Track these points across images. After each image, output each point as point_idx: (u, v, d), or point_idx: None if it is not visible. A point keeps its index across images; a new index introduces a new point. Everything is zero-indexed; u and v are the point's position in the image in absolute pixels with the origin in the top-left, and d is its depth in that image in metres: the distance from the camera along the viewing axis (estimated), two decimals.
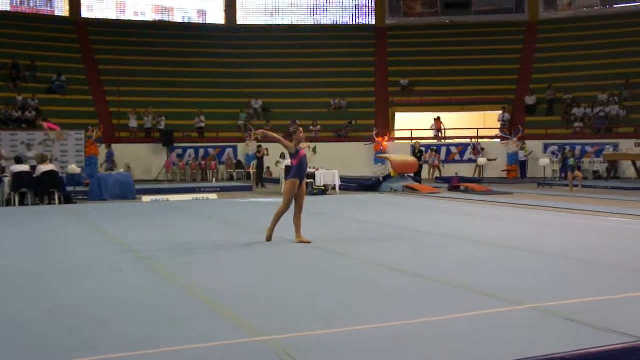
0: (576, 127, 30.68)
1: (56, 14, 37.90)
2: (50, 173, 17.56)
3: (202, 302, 5.89)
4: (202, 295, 6.15)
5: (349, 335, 4.74)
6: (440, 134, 32.39)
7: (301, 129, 9.56)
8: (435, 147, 29.95)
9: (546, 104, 32.53)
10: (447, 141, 31.89)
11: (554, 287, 6.39)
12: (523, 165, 29.05)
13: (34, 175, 17.47)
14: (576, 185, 20.20)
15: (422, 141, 30.84)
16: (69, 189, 19.19)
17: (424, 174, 27.30)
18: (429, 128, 32.37)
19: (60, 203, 17.56)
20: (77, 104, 31.00)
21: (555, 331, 4.85)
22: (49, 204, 17.54)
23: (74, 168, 21.06)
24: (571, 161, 20.20)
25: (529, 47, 37.00)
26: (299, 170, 9.34)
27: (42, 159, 18.40)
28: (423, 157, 26.21)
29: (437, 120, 32.44)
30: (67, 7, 38.07)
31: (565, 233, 10.68)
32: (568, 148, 23.92)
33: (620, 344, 4.43)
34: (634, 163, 25.46)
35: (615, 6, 37.70)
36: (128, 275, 7.21)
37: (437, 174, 28.58)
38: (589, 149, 28.79)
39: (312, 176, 20.53)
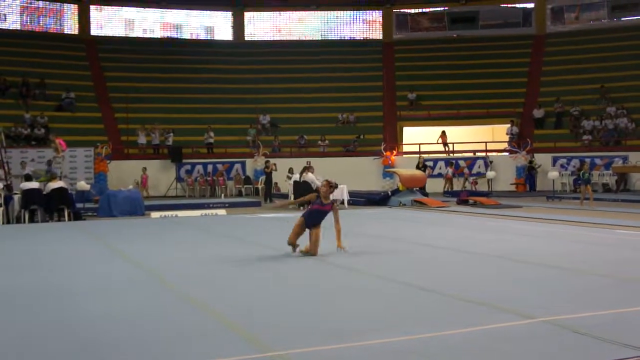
0: (585, 140, 30.60)
1: (65, 32, 38.24)
2: (60, 190, 17.64)
3: (212, 317, 5.89)
4: (212, 310, 6.15)
5: (358, 350, 4.72)
6: (446, 148, 32.41)
7: (325, 182, 9.76)
8: (452, 161, 29.93)
9: (554, 117, 32.49)
10: (456, 155, 31.83)
11: (565, 300, 6.35)
12: (534, 178, 28.96)
13: (44, 192, 17.54)
14: (587, 199, 19.95)
15: (431, 155, 30.94)
16: (79, 205, 19.26)
17: (432, 187, 27.16)
18: (436, 142, 32.39)
19: (69, 220, 17.63)
20: (86, 121, 31.19)
21: (568, 345, 4.81)
22: (59, 220, 17.62)
23: (83, 185, 21.14)
24: (586, 175, 19.94)
25: (536, 61, 37.03)
26: (308, 218, 9.70)
27: (52, 176, 18.51)
28: (427, 171, 26.14)
29: (443, 134, 32.47)
30: (77, 25, 38.43)
31: (576, 246, 10.62)
32: (582, 160, 23.67)
33: (633, 357, 4.40)
34: None
35: (622, 19, 37.67)
36: (138, 291, 7.21)
37: (449, 187, 28.56)
38: (598, 161, 28.71)
39: None
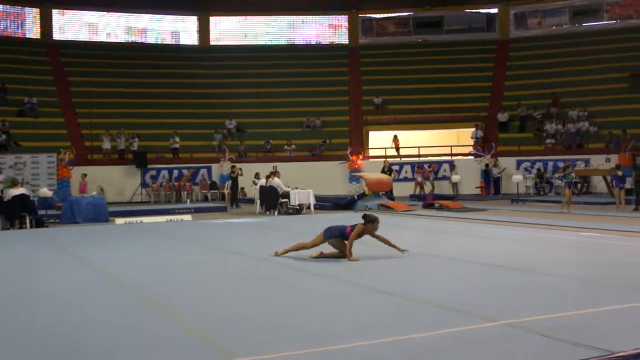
0: (548, 144, 31.01)
1: (27, 36, 37.59)
2: (21, 197, 17.32)
3: (177, 324, 5.82)
4: (177, 316, 6.08)
5: (325, 356, 4.70)
6: (399, 152, 32.50)
7: (379, 219, 9.69)
8: (426, 164, 29.98)
9: (518, 120, 32.87)
10: (422, 159, 31.92)
11: (529, 302, 6.40)
12: (497, 181, 29.25)
13: (4, 199, 17.21)
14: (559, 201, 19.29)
15: (396, 159, 31.13)
16: (41, 212, 18.92)
17: (398, 190, 27.24)
18: (390, 146, 32.54)
19: (31, 227, 17.30)
20: (49, 127, 30.70)
21: (530, 347, 4.85)
22: (20, 228, 17.27)
23: (45, 191, 20.78)
24: (570, 177, 19.56)
25: (500, 65, 37.46)
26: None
27: (13, 183, 18.17)
28: (393, 175, 26.22)
29: (395, 138, 32.58)
30: (39, 30, 37.81)
31: (539, 248, 10.74)
32: (569, 163, 23.64)
33: (594, 357, 4.43)
34: (604, 178, 25.74)
35: (584, 24, 38.33)
36: (103, 299, 7.10)
37: (418, 191, 28.68)
38: (561, 164, 29.08)
39: (287, 196, 20.51)
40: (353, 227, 9.48)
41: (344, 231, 9.53)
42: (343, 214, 20.05)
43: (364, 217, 9.64)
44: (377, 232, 9.56)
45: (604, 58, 34.08)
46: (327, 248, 9.74)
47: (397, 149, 32.52)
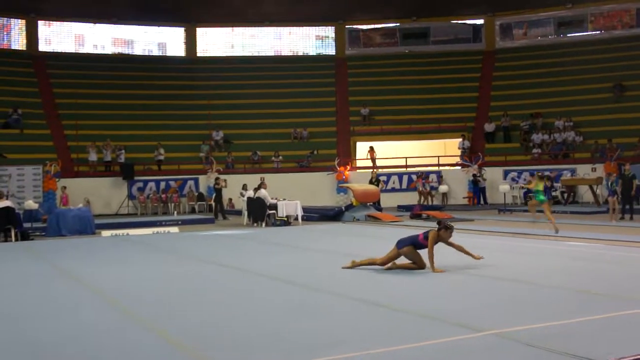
0: (535, 153, 31.16)
1: (12, 47, 37.37)
2: (6, 209, 17.18)
3: (160, 337, 5.77)
4: (160, 330, 6.03)
5: None
6: (375, 164, 32.42)
7: (453, 227, 9.68)
8: (425, 174, 29.92)
9: (502, 131, 33.01)
10: (409, 169, 31.95)
11: (515, 312, 6.40)
12: (482, 191, 29.30)
13: None
14: (540, 211, 19.40)
15: (384, 170, 31.13)
16: (26, 225, 18.78)
17: (386, 201, 27.24)
18: (365, 157, 32.53)
19: (16, 240, 17.15)
20: (35, 139, 30.49)
21: (515, 357, 4.83)
22: (5, 241, 17.13)
23: (30, 204, 20.61)
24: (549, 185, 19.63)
25: (486, 76, 37.65)
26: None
27: None
28: (380, 186, 26.16)
29: (371, 149, 32.58)
30: (24, 41, 37.61)
31: (526, 258, 10.76)
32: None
33: None
34: (591, 188, 25.88)
35: (569, 35, 38.69)
36: (84, 312, 7.03)
37: (423, 200, 28.53)
38: (546, 174, 29.16)
39: (275, 207, 20.47)
40: (425, 234, 9.43)
41: (415, 239, 9.49)
42: (330, 225, 20.06)
43: (438, 223, 9.59)
44: (451, 240, 9.50)
45: (589, 68, 34.40)
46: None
47: (373, 160, 32.43)
